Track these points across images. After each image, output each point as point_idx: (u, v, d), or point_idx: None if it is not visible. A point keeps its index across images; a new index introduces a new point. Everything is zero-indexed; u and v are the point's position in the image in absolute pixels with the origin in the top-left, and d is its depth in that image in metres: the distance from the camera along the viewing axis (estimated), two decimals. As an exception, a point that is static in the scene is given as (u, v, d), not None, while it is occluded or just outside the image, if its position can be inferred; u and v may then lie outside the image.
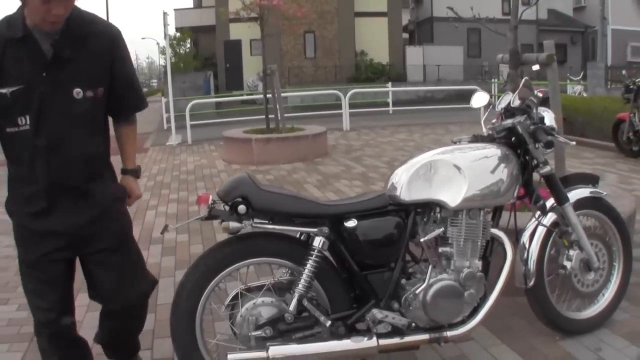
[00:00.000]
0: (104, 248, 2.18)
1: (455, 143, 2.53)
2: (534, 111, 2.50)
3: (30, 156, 2.04)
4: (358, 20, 25.38)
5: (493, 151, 2.44)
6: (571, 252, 2.69)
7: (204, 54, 27.47)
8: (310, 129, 9.86)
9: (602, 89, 11.42)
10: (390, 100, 17.31)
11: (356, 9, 25.08)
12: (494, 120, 2.61)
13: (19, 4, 1.98)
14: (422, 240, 2.30)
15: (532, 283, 2.60)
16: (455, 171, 2.32)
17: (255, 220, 2.18)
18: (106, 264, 2.20)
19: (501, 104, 2.64)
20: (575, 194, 2.74)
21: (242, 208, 2.13)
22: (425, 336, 2.29)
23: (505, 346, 2.75)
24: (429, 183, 2.31)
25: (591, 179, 2.91)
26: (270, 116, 9.71)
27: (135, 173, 2.39)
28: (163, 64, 14.64)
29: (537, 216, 2.66)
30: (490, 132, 2.57)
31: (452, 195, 2.29)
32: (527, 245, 2.63)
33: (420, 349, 2.67)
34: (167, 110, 13.61)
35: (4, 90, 1.96)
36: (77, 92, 2.05)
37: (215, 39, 25.43)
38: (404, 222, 2.32)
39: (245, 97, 18.72)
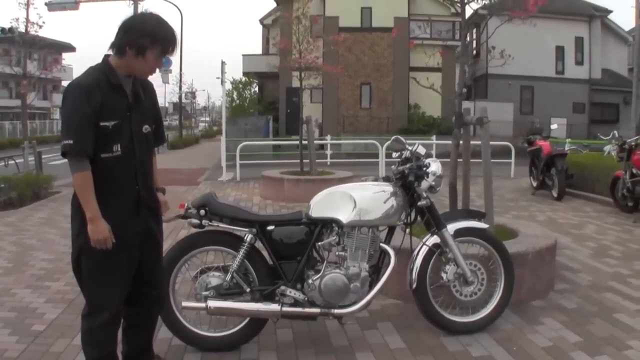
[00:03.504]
0: (156, 246, 2.88)
1: (362, 180, 3.57)
2: (415, 160, 3.49)
3: (122, 174, 2.63)
4: (413, 74, 26.45)
5: (385, 188, 3.46)
6: (447, 267, 3.59)
7: (268, 98, 29.07)
8: (339, 173, 10.90)
9: (632, 149, 11.92)
10: (434, 151, 18.17)
11: (412, 64, 26.19)
12: (393, 166, 3.62)
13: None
14: (319, 244, 3.34)
15: (414, 286, 3.53)
16: (350, 199, 3.35)
17: (212, 221, 3.30)
18: (156, 258, 2.89)
19: (403, 155, 3.64)
20: (457, 225, 3.66)
21: (202, 212, 3.28)
22: (317, 310, 3.28)
23: (398, 336, 3.65)
24: (330, 205, 3.37)
25: (478, 215, 3.84)
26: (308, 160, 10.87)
27: (164, 191, 3.03)
28: (228, 106, 16.09)
29: (424, 238, 3.63)
30: (390, 175, 3.59)
31: (345, 215, 3.32)
32: (414, 259, 3.59)
33: (329, 328, 3.67)
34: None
35: (107, 123, 2.55)
36: (146, 128, 2.74)
37: (279, 85, 26.94)
38: (312, 231, 3.36)
39: (290, 142, 19.75)
